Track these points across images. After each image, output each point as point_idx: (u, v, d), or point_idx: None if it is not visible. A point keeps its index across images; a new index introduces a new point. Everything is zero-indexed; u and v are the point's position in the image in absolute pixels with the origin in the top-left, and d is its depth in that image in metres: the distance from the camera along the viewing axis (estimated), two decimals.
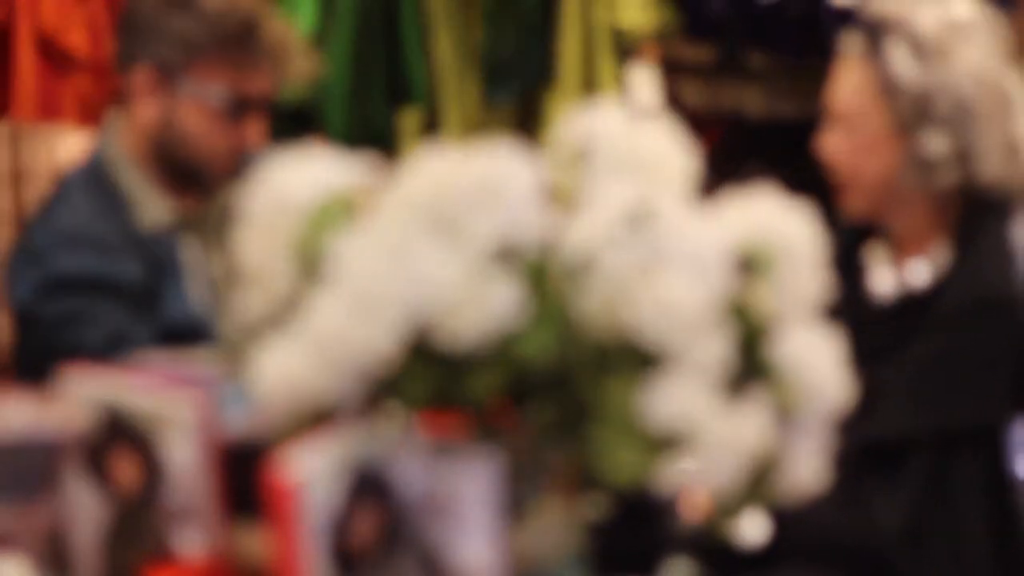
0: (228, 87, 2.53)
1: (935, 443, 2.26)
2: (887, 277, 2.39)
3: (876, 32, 2.31)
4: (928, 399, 2.28)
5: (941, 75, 2.27)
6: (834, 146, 2.36)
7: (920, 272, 2.36)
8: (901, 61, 2.27)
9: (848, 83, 2.34)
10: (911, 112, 2.28)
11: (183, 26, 2.50)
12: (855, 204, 2.37)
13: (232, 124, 2.54)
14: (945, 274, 2.33)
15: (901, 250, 2.39)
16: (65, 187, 2.60)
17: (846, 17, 3.23)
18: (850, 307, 2.39)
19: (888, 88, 2.29)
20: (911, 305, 2.36)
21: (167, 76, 2.54)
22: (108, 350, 2.35)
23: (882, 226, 2.41)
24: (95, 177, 2.58)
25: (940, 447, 2.26)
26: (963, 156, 2.27)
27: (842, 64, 2.36)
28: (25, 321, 2.52)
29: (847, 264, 2.42)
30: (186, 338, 2.53)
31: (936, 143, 2.28)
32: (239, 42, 2.51)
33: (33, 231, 2.56)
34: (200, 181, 2.60)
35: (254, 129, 2.57)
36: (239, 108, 2.53)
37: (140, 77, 2.55)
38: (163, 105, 2.55)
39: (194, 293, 2.59)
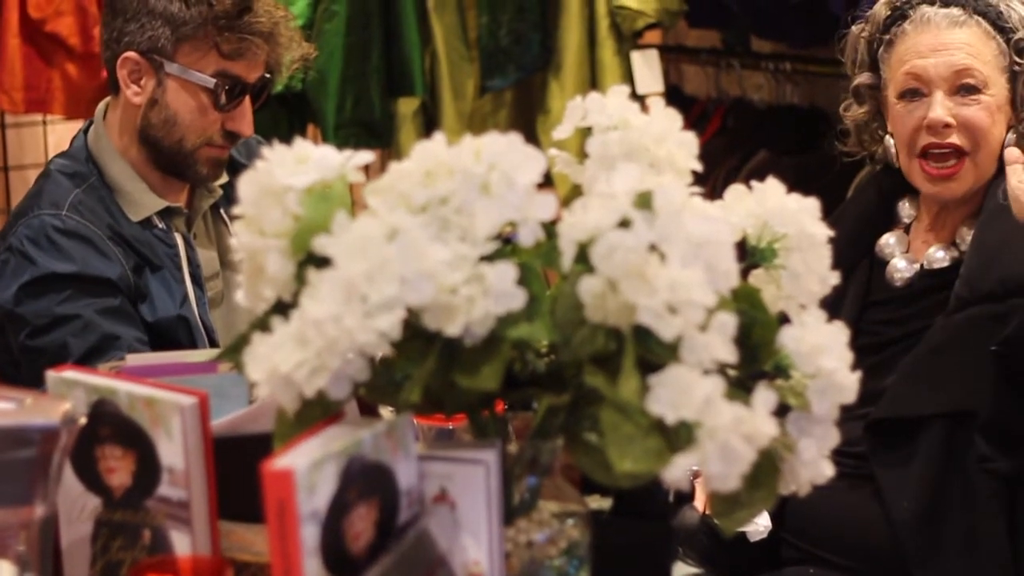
0: (217, 70, 2.48)
1: (947, 421, 2.23)
2: (905, 263, 2.39)
3: (985, 5, 2.32)
4: (941, 378, 2.26)
5: None
6: (974, 111, 2.34)
7: (938, 257, 2.36)
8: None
9: (974, 51, 2.32)
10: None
11: (172, 8, 2.46)
12: (972, 173, 2.35)
13: (220, 109, 2.49)
14: (962, 256, 2.32)
15: (925, 239, 2.39)
16: (50, 180, 2.55)
17: (852, 3, 3.21)
18: (866, 288, 2.38)
19: (1012, 61, 2.32)
20: (928, 285, 2.35)
21: (155, 60, 2.49)
22: (92, 357, 2.32)
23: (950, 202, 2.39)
24: (82, 169, 2.54)
25: (953, 424, 2.23)
26: None
27: (956, 32, 2.34)
28: (9, 322, 2.47)
29: (864, 246, 2.41)
30: (176, 332, 2.49)
31: None
32: (230, 24, 2.46)
33: (17, 227, 2.49)
34: (187, 169, 2.56)
35: (242, 115, 2.52)
36: (228, 92, 2.48)
37: (128, 62, 2.51)
38: (150, 90, 2.51)
39: (185, 287, 2.55)
